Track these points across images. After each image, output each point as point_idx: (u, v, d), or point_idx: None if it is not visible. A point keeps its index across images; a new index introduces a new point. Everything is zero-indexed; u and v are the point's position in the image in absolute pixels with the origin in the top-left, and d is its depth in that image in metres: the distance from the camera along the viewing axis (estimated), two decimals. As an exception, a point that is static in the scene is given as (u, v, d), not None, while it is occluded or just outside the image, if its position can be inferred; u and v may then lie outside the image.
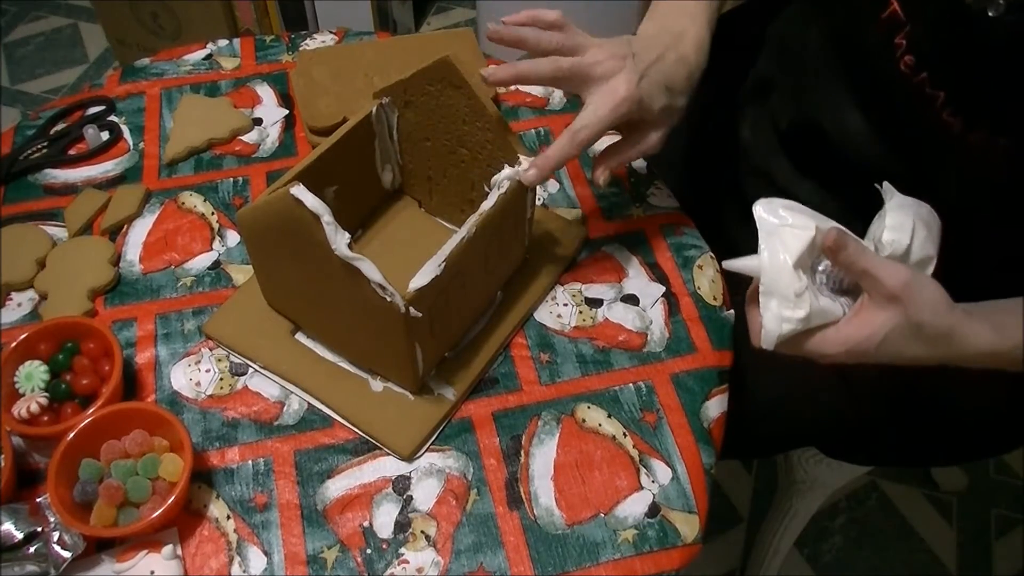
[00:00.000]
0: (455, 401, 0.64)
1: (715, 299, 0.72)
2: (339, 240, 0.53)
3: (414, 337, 0.58)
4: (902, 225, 0.56)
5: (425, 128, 0.68)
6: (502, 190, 0.61)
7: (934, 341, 0.53)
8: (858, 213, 0.59)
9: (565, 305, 0.71)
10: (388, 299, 0.55)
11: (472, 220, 0.59)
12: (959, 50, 0.58)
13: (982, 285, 0.68)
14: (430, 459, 0.62)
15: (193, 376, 0.66)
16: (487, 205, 0.60)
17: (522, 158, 0.62)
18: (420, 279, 0.56)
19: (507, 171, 0.61)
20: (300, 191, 0.53)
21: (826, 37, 0.71)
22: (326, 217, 0.53)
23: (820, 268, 0.57)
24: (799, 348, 0.56)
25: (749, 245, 0.84)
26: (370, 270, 0.54)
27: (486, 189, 0.63)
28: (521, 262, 0.71)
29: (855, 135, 0.68)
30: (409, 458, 0.62)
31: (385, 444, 0.62)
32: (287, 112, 0.85)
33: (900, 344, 0.53)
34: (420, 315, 0.56)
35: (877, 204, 0.59)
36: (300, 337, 0.67)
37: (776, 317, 0.55)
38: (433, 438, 0.63)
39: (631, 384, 0.66)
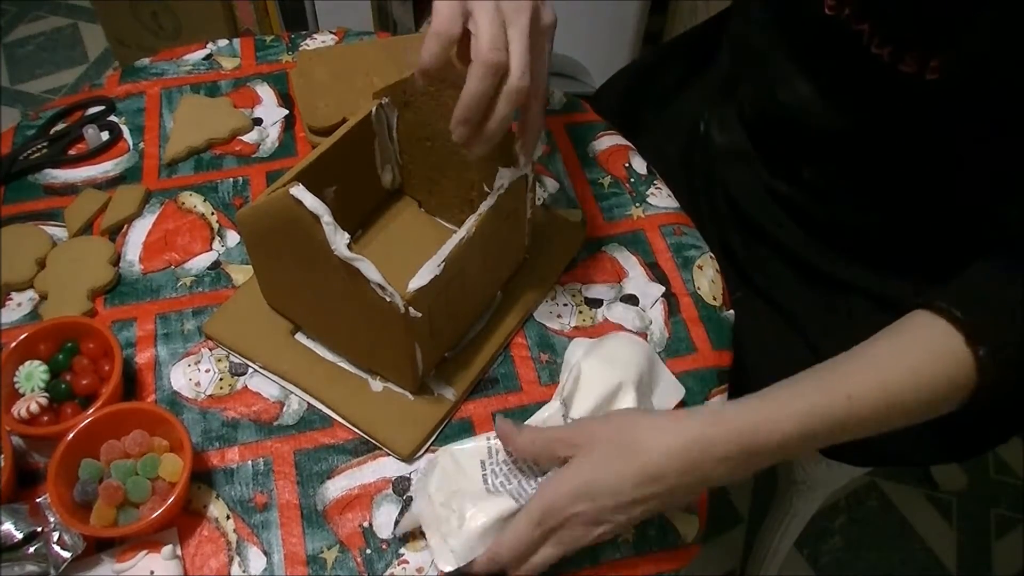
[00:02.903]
0: (455, 401, 0.64)
1: (715, 299, 0.72)
2: (339, 240, 0.53)
3: (414, 337, 0.58)
4: (571, 377, 0.59)
5: (425, 128, 0.68)
6: (502, 190, 0.61)
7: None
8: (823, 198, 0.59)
9: (565, 305, 0.71)
10: (388, 299, 0.55)
11: (472, 220, 0.59)
12: None
13: (933, 238, 0.69)
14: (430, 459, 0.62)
15: (193, 376, 0.66)
16: (487, 205, 0.60)
17: (521, 158, 0.62)
18: (420, 279, 0.56)
19: (507, 171, 0.61)
20: (300, 191, 0.53)
21: (766, 14, 0.72)
22: (326, 217, 0.53)
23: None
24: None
25: (745, 245, 0.84)
26: (370, 270, 0.54)
27: (486, 189, 0.63)
28: (521, 262, 0.71)
29: (808, 103, 0.69)
30: (409, 458, 0.62)
31: (385, 444, 0.62)
32: (287, 112, 0.85)
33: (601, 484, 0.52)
34: (420, 315, 0.56)
35: (848, 189, 0.62)
36: (300, 337, 0.67)
37: (441, 545, 0.55)
38: (433, 438, 0.63)
39: (631, 384, 0.66)
